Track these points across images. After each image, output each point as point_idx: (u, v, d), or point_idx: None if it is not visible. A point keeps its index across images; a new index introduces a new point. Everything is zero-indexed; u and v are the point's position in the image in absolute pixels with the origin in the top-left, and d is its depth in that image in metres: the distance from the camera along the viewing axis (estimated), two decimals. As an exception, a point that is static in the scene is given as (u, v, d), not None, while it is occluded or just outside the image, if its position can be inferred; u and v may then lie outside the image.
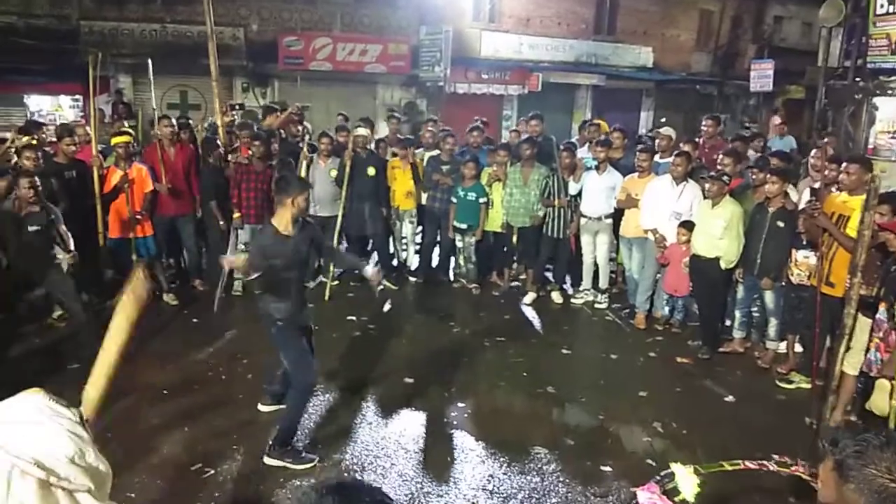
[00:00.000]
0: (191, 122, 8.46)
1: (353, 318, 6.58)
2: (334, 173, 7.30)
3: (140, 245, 6.53)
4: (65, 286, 5.31)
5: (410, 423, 4.69)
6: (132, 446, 4.22)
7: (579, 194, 6.89)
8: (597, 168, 6.79)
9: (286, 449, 4.13)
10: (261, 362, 5.48)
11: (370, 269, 4.63)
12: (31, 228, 5.07)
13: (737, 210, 5.61)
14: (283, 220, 4.03)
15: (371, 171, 7.36)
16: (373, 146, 7.77)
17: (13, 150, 6.12)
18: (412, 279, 7.80)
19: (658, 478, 2.52)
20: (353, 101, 15.90)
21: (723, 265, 5.67)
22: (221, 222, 6.83)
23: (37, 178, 5.09)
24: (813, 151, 5.90)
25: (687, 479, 2.49)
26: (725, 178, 5.77)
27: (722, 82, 21.26)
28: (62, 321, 6.08)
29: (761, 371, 5.64)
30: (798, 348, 5.61)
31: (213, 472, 4.01)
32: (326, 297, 6.94)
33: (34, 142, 5.94)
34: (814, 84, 15.31)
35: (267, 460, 4.10)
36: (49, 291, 5.57)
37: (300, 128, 8.68)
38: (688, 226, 6.10)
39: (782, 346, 5.69)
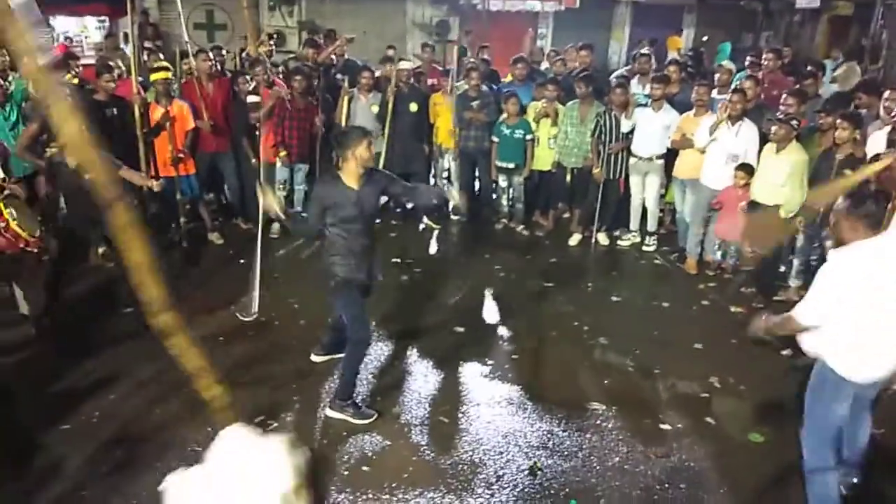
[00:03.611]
0: (223, 52, 8.21)
1: (398, 259, 6.53)
2: (375, 108, 7.09)
3: (183, 183, 6.45)
4: None
5: (464, 376, 4.69)
6: (194, 397, 4.27)
7: (631, 132, 6.62)
8: (652, 105, 6.48)
9: (346, 403, 4.17)
10: (311, 307, 5.51)
11: (456, 193, 4.59)
12: (87, 176, 4.97)
13: (803, 157, 5.36)
14: (348, 173, 3.92)
15: (413, 106, 7.14)
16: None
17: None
18: (455, 217, 7.67)
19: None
20: (383, 20, 15.34)
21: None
22: (253, 160, 6.69)
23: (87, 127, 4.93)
24: (887, 93, 5.54)
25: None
26: (794, 122, 5.47)
27: (767, -3, 20.10)
28: (108, 259, 6.10)
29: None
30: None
31: (276, 424, 4.07)
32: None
33: (75, 80, 5.77)
34: (863, -1, 14.38)
35: (329, 412, 4.16)
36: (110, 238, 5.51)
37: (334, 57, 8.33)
38: (746, 169, 5.87)
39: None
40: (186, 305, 5.39)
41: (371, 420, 4.14)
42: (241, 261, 6.38)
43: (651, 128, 6.45)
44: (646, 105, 6.62)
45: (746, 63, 7.96)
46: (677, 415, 4.30)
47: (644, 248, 6.93)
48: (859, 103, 5.98)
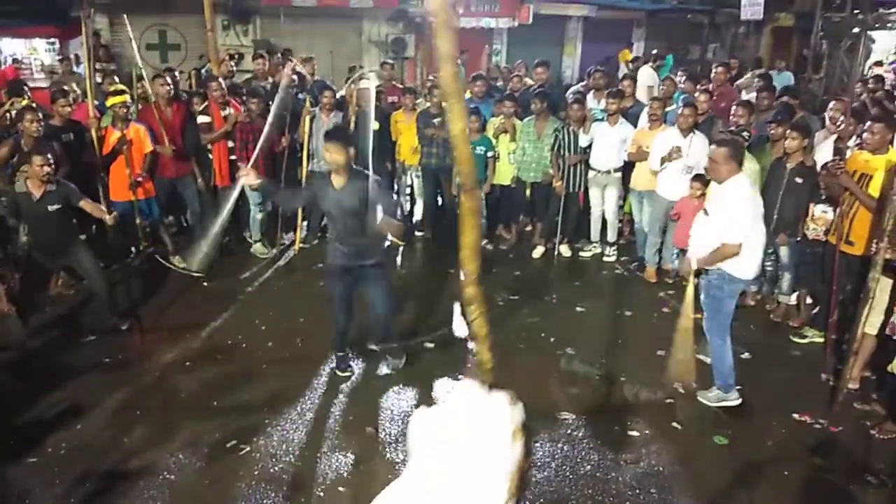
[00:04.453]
0: (177, 73, 8.15)
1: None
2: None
3: (143, 207, 6.36)
4: (88, 262, 5.18)
5: (436, 391, 4.72)
6: (163, 424, 4.24)
7: (589, 146, 6.79)
8: (608, 119, 6.67)
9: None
10: (278, 329, 5.49)
11: (391, 227, 4.48)
12: (50, 208, 4.89)
13: (755, 167, 5.57)
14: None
15: (375, 125, 7.17)
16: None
17: (10, 113, 5.87)
18: (418, 234, 7.72)
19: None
20: (339, 38, 15.38)
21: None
22: (199, 180, 6.70)
23: (50, 157, 4.84)
24: (832, 104, 5.82)
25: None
26: (746, 134, 5.69)
27: (713, 11, 20.79)
28: (69, 288, 5.98)
29: (774, 325, 5.74)
30: (808, 302, 5.70)
31: (248, 448, 4.04)
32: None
33: (33, 104, 5.67)
34: (804, 11, 14.99)
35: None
36: (73, 267, 5.39)
37: (295, 77, 8.34)
38: (701, 179, 6.06)
39: (793, 300, 5.77)
40: (150, 331, 5.43)
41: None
42: (205, 283, 6.31)
43: (608, 141, 6.63)
44: (602, 119, 6.80)
45: (681, 80, 8.11)
46: (645, 421, 4.41)
47: (605, 258, 7.09)
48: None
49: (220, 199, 6.39)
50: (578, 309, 6.02)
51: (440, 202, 7.80)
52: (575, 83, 11.57)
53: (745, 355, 5.23)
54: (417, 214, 8.00)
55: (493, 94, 7.87)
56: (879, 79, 8.90)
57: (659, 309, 6.03)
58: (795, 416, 4.47)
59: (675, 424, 4.39)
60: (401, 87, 8.36)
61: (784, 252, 5.63)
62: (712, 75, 7.79)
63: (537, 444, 4.10)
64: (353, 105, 6.95)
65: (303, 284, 6.40)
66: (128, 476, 3.77)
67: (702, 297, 4.60)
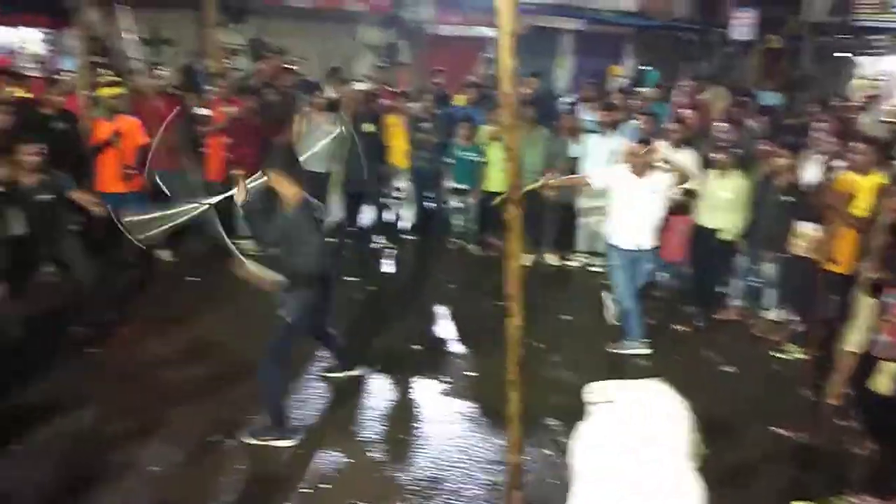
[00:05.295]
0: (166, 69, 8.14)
1: (352, 278, 6.54)
2: (328, 128, 7.09)
3: (131, 200, 6.31)
4: (76, 253, 5.13)
5: (421, 394, 4.75)
6: (149, 418, 4.21)
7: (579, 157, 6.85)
8: (601, 131, 6.74)
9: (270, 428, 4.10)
10: (267, 326, 5.46)
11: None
12: (38, 198, 4.83)
13: (745, 183, 5.66)
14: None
15: (369, 127, 7.21)
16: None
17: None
18: (408, 237, 7.74)
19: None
20: (332, 41, 15.39)
21: (726, 236, 5.75)
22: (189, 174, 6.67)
23: (43, 147, 4.79)
24: (817, 124, 5.94)
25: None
26: (737, 150, 5.78)
27: (703, 29, 21.08)
28: (54, 276, 5.91)
29: (756, 340, 5.81)
30: (791, 318, 5.78)
31: (232, 443, 4.03)
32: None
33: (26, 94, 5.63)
34: (794, 34, 15.27)
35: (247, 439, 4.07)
36: (60, 258, 5.33)
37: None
38: (689, 193, 6.14)
39: (775, 315, 5.86)
40: (137, 324, 5.39)
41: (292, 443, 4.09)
42: (190, 278, 6.28)
43: (600, 152, 6.69)
44: (594, 131, 6.87)
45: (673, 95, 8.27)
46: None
47: (591, 268, 7.14)
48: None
49: (210, 194, 6.38)
50: (564, 317, 6.06)
51: (427, 207, 7.84)
52: (567, 94, 11.68)
53: (727, 368, 5.31)
54: (407, 217, 8.02)
55: (485, 102, 7.91)
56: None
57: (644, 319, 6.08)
58: (774, 429, 4.53)
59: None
60: (395, 91, 8.39)
61: (769, 268, 5.72)
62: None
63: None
64: (349, 106, 6.96)
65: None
66: (110, 467, 3.75)
67: None
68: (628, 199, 5.23)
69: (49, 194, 4.89)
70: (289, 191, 3.92)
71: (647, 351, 5.39)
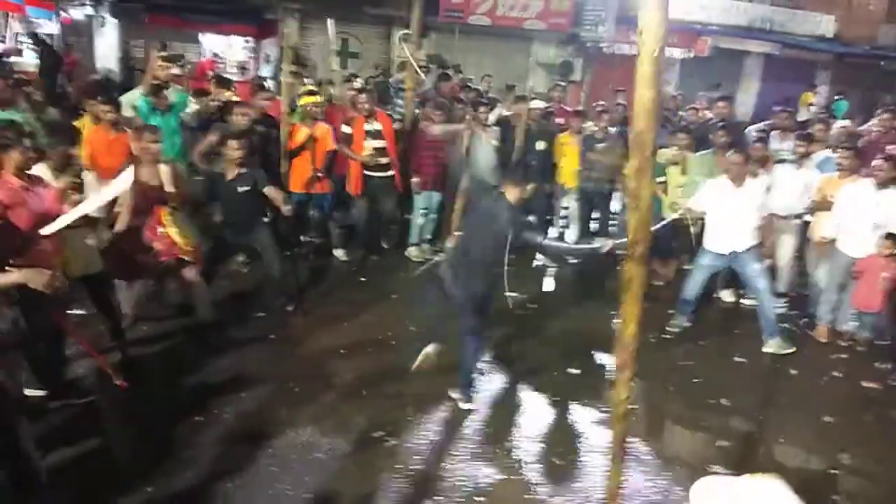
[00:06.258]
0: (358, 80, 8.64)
1: (515, 294, 6.54)
2: (495, 143, 7.15)
3: (318, 200, 6.80)
4: (268, 242, 5.58)
5: (578, 420, 4.64)
6: (318, 403, 4.48)
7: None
8: (794, 161, 6.27)
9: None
10: (427, 329, 5.61)
11: None
12: (240, 189, 5.34)
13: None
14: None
15: (541, 144, 7.24)
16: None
17: (216, 103, 6.48)
18: (570, 257, 7.64)
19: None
20: (507, 58, 15.66)
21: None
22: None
23: (244, 142, 5.30)
24: None
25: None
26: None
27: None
28: (244, 266, 6.48)
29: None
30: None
31: (394, 442, 4.16)
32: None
33: (236, 97, 6.23)
34: None
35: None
36: (254, 247, 5.83)
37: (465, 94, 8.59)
38: (893, 238, 5.54)
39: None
40: (311, 315, 5.75)
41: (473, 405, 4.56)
42: (362, 279, 6.62)
43: (791, 185, 6.21)
44: (786, 161, 6.40)
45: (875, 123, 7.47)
46: (802, 489, 4.04)
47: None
48: None
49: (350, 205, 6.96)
50: (737, 359, 5.67)
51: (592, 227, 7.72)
52: (750, 121, 11.03)
53: None
54: (572, 237, 7.92)
55: (664, 125, 7.65)
56: None
57: (828, 372, 5.56)
58: None
59: (835, 498, 4.02)
60: (570, 109, 8.35)
61: None
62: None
63: (682, 493, 3.91)
64: (523, 123, 7.02)
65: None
66: (281, 447, 4.01)
67: None
68: (726, 207, 5.65)
69: (246, 186, 5.36)
70: (513, 194, 4.43)
71: (790, 350, 5.70)
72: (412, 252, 7.27)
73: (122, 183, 4.11)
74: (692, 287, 6.00)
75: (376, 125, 6.60)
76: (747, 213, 5.63)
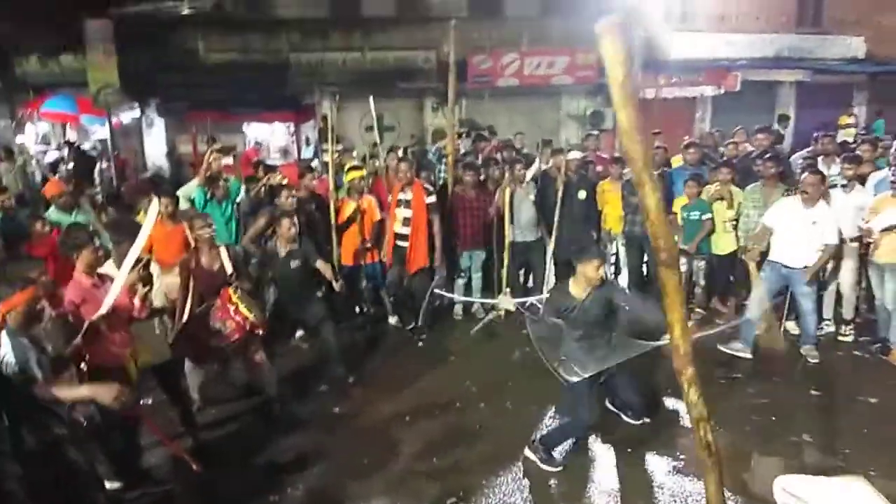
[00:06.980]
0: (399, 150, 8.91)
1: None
2: (532, 197, 7.20)
3: (369, 271, 6.93)
4: (322, 315, 5.71)
5: (654, 469, 4.51)
6: (388, 474, 4.46)
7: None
8: (843, 186, 6.16)
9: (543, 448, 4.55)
10: (489, 389, 5.60)
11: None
12: (293, 265, 5.51)
13: None
14: (576, 284, 4.47)
15: (582, 194, 7.28)
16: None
17: (265, 187, 6.77)
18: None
19: None
20: (537, 113, 15.90)
21: None
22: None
23: (295, 218, 5.52)
24: None
25: None
26: None
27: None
28: (305, 342, 6.59)
29: None
30: None
31: (467, 509, 4.11)
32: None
33: (285, 181, 6.51)
34: None
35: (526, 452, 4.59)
36: (308, 321, 5.97)
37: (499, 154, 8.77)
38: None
39: None
40: (372, 384, 5.79)
41: (557, 469, 4.45)
42: (420, 343, 6.66)
43: (843, 209, 6.09)
44: (835, 186, 6.29)
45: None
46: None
47: (840, 337, 6.41)
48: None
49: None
50: (813, 392, 5.47)
51: (645, 271, 7.63)
52: (789, 150, 10.88)
53: None
54: (621, 282, 7.85)
55: (705, 162, 7.64)
56: None
57: (911, 398, 5.31)
58: None
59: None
60: (607, 156, 8.41)
61: None
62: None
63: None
64: (562, 175, 7.09)
65: (505, 348, 6.44)
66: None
67: None
68: (794, 225, 5.75)
69: (298, 261, 5.54)
70: (594, 274, 4.37)
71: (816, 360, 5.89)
72: (456, 312, 7.31)
73: (148, 224, 4.24)
74: (754, 306, 6.00)
75: (409, 194, 6.74)
76: (813, 232, 5.70)
